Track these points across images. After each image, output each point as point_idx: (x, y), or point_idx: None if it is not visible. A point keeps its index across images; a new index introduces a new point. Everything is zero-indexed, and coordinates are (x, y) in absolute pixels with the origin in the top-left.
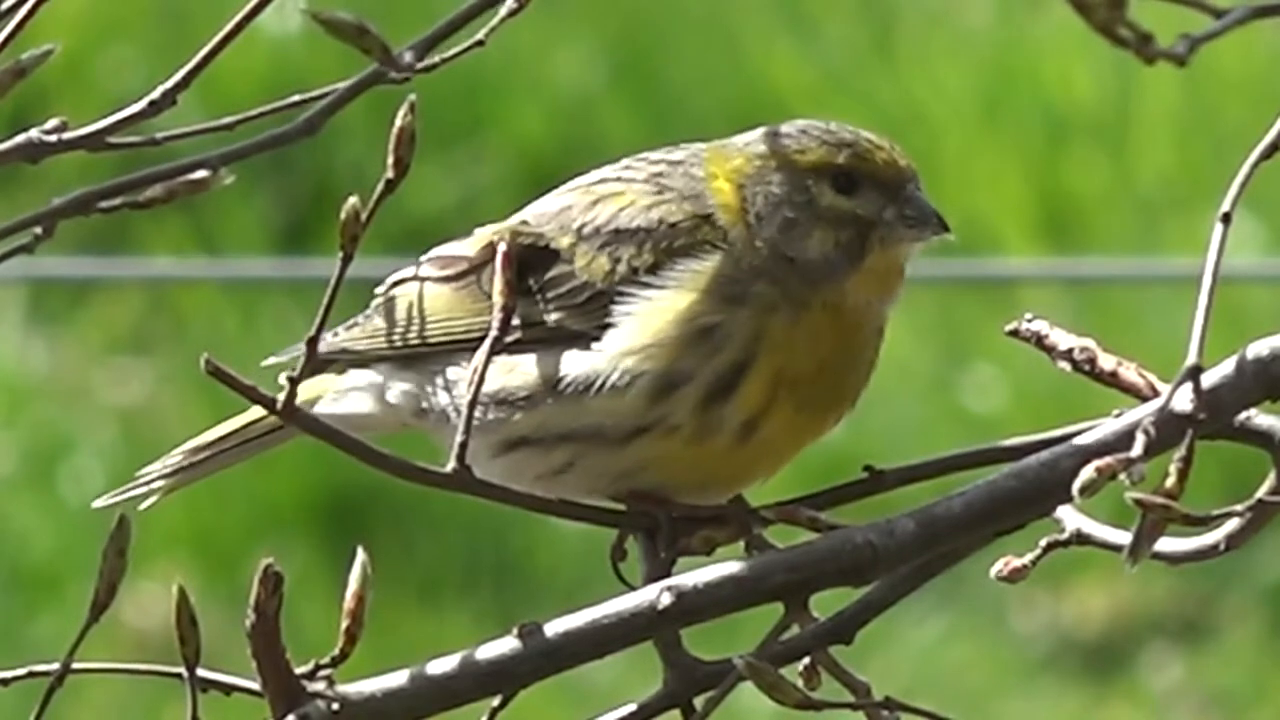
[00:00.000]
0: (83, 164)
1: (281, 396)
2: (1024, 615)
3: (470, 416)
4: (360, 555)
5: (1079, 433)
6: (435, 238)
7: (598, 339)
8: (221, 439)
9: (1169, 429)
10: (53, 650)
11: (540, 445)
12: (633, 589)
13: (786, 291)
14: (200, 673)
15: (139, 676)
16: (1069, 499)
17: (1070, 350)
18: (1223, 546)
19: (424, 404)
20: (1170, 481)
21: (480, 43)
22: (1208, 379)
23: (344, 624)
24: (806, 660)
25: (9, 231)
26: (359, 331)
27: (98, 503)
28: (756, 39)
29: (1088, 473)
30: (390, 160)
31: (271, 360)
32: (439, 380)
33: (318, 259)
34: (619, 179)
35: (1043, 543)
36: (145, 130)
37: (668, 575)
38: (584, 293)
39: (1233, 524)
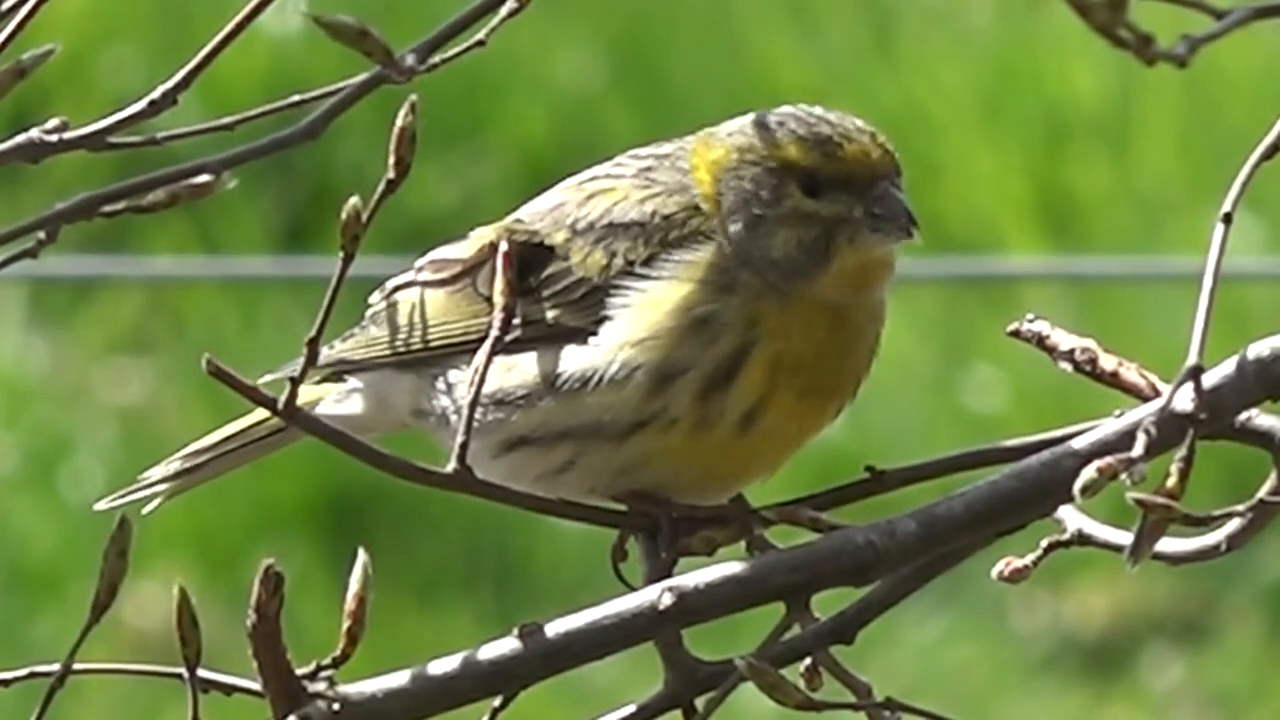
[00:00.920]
0: (83, 164)
1: (282, 397)
2: (1025, 615)
3: (470, 417)
4: (361, 556)
5: (1080, 433)
6: (436, 238)
7: (594, 334)
8: (223, 442)
9: (1170, 429)
10: (53, 651)
11: (540, 444)
12: (634, 589)
13: (768, 281)
14: (201, 673)
15: (139, 677)
16: (1070, 499)
17: (1071, 351)
18: (1224, 547)
19: (424, 406)
20: (1171, 482)
21: (481, 43)
22: (1209, 379)
23: (345, 624)
24: (808, 661)
25: (12, 236)
26: (355, 342)
27: (100, 505)
28: (757, 39)
29: (1089, 473)
30: (391, 160)
31: (269, 378)
32: (438, 382)
33: (318, 259)
34: (609, 175)
35: (1044, 543)
36: (146, 130)
37: (669, 576)
38: (580, 288)
39: (1234, 524)
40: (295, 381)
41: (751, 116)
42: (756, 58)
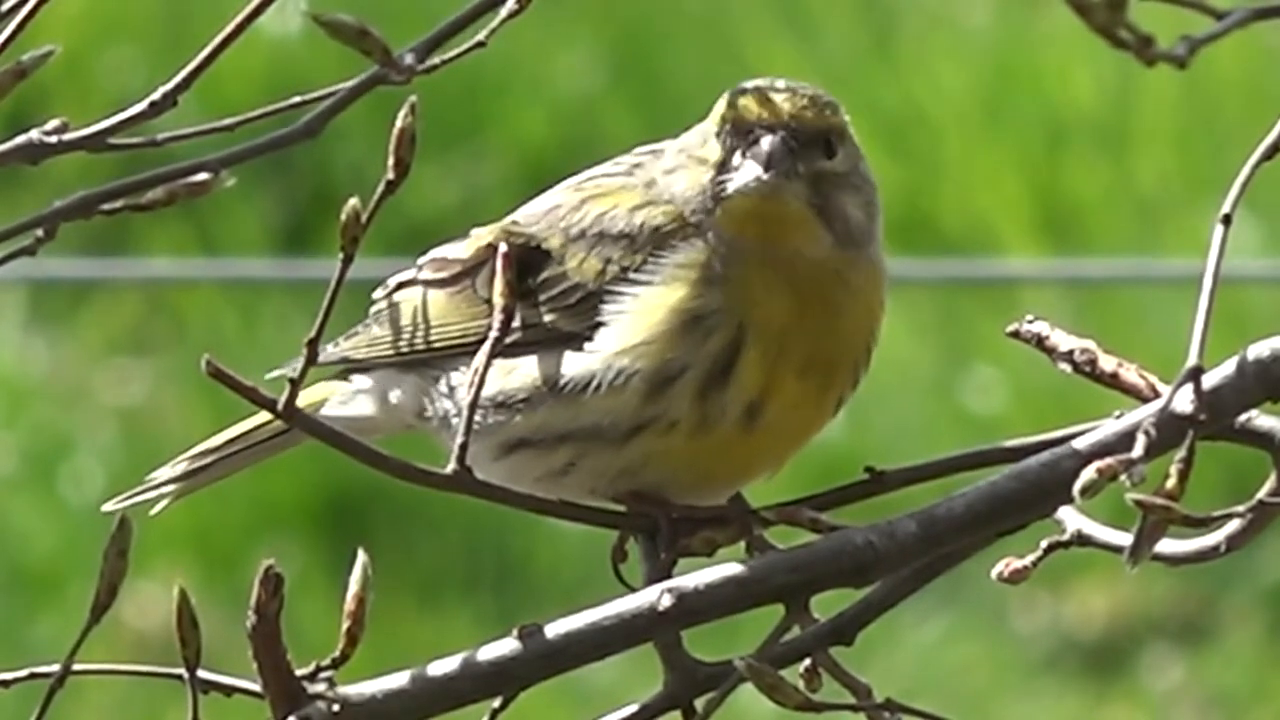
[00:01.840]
0: (83, 165)
1: (283, 397)
2: (1025, 616)
3: (470, 418)
4: (361, 556)
5: (1080, 434)
6: (436, 238)
7: (590, 339)
8: (228, 443)
9: (1169, 430)
10: (53, 651)
11: (541, 446)
12: (633, 590)
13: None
14: (201, 674)
15: (139, 678)
16: (1070, 500)
17: (1071, 351)
18: (1223, 548)
19: (425, 407)
20: (1171, 483)
21: (481, 44)
22: (1208, 380)
23: (345, 625)
24: (807, 661)
25: (11, 234)
26: (358, 340)
27: (107, 506)
28: (757, 40)
29: (1088, 474)
30: (391, 161)
31: (273, 374)
32: (439, 384)
33: (318, 260)
34: (606, 175)
35: (1044, 544)
36: (146, 131)
37: (668, 576)
38: (576, 293)
39: (1233, 525)
40: (295, 382)
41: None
42: (756, 59)
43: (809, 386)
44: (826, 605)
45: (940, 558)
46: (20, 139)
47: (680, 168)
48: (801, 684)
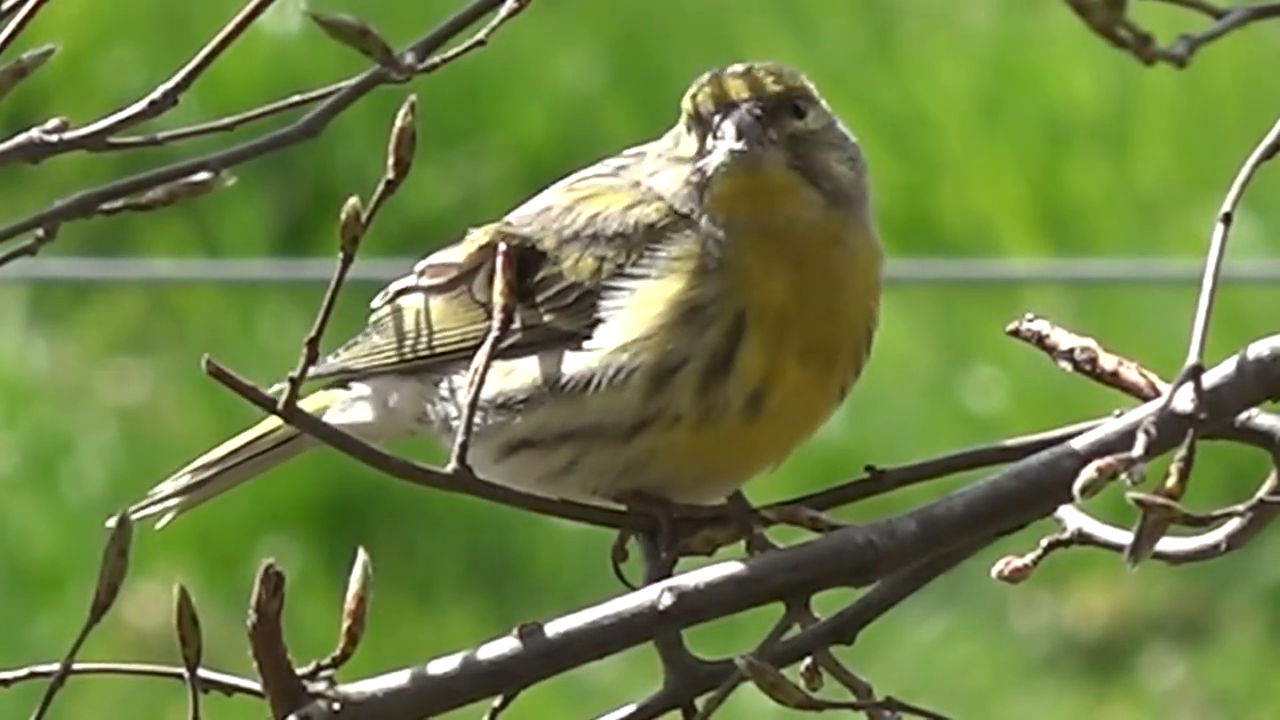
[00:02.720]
0: (83, 164)
1: (282, 397)
2: (1025, 615)
3: (471, 417)
4: (361, 555)
5: (1080, 433)
6: (436, 238)
7: (589, 337)
8: (231, 454)
9: (1170, 429)
10: (53, 650)
11: (542, 446)
12: (634, 589)
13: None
14: (201, 673)
15: (140, 677)
16: (1070, 499)
17: (1071, 350)
18: (1224, 546)
19: (426, 412)
20: (1171, 481)
21: (481, 43)
22: (1209, 379)
23: (345, 624)
24: (808, 660)
25: (11, 233)
26: (358, 350)
27: (113, 522)
28: (756, 40)
29: (1088, 473)
30: (391, 161)
31: (275, 388)
32: (439, 389)
33: (318, 260)
34: (596, 176)
35: (1044, 543)
36: (146, 130)
37: (669, 575)
38: (573, 293)
39: (1234, 524)
40: (295, 382)
41: None
42: (756, 59)
43: (811, 372)
44: (827, 604)
45: (940, 557)
46: (20, 138)
47: (661, 170)
48: (802, 683)
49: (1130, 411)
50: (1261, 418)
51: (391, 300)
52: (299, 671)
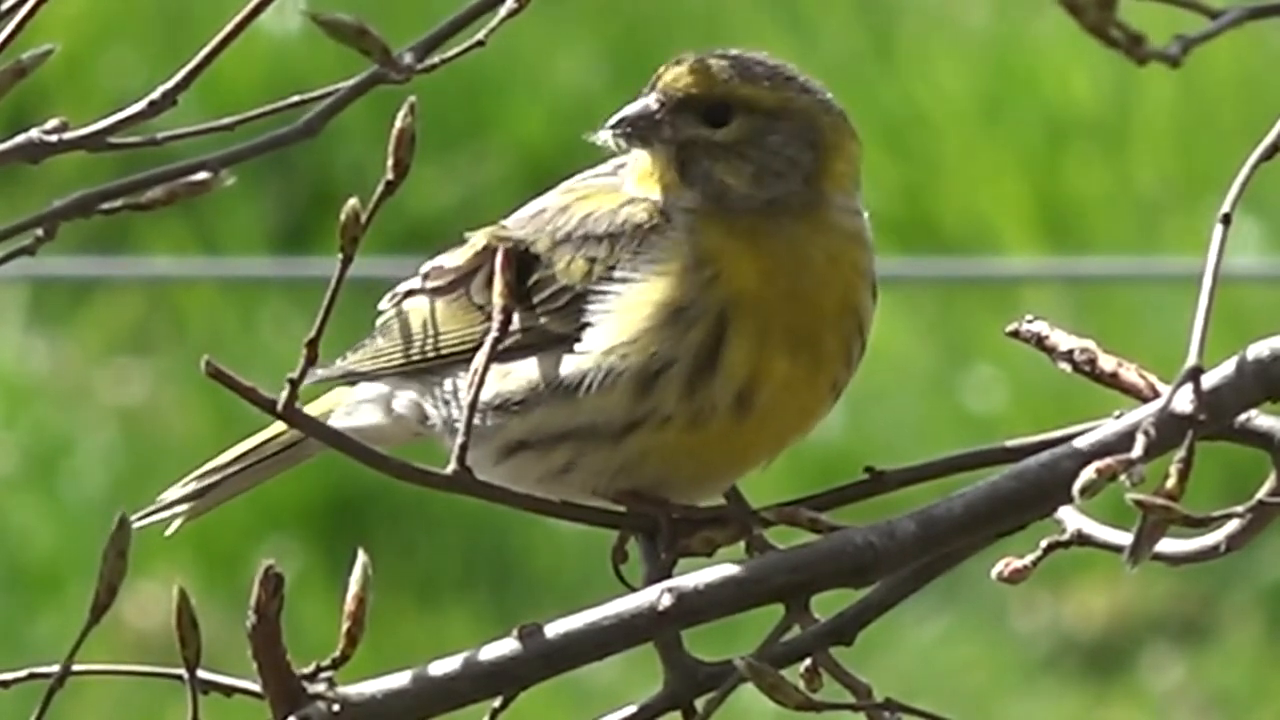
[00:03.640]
0: (83, 164)
1: (282, 397)
2: (1025, 616)
3: (470, 418)
4: (361, 556)
5: (1079, 434)
6: (435, 239)
7: (579, 340)
8: (236, 460)
9: (1169, 430)
10: (53, 651)
11: (540, 447)
12: (633, 590)
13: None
14: (201, 674)
15: (139, 678)
16: (1069, 500)
17: (1071, 351)
18: (1223, 547)
19: (428, 414)
20: (1170, 482)
21: (480, 43)
22: (1208, 380)
23: (344, 625)
24: (808, 661)
25: (11, 233)
26: (362, 354)
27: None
28: (756, 40)
29: (1088, 474)
30: (390, 162)
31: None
32: (440, 391)
33: (317, 259)
34: (594, 177)
35: (1044, 543)
36: (145, 130)
37: (668, 576)
38: (564, 295)
39: (1233, 525)
40: (294, 383)
41: None
42: None
43: (800, 366)
44: (826, 605)
45: (940, 558)
46: (20, 138)
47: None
48: (802, 684)
49: (1130, 412)
50: (1261, 419)
51: (397, 303)
52: (299, 672)
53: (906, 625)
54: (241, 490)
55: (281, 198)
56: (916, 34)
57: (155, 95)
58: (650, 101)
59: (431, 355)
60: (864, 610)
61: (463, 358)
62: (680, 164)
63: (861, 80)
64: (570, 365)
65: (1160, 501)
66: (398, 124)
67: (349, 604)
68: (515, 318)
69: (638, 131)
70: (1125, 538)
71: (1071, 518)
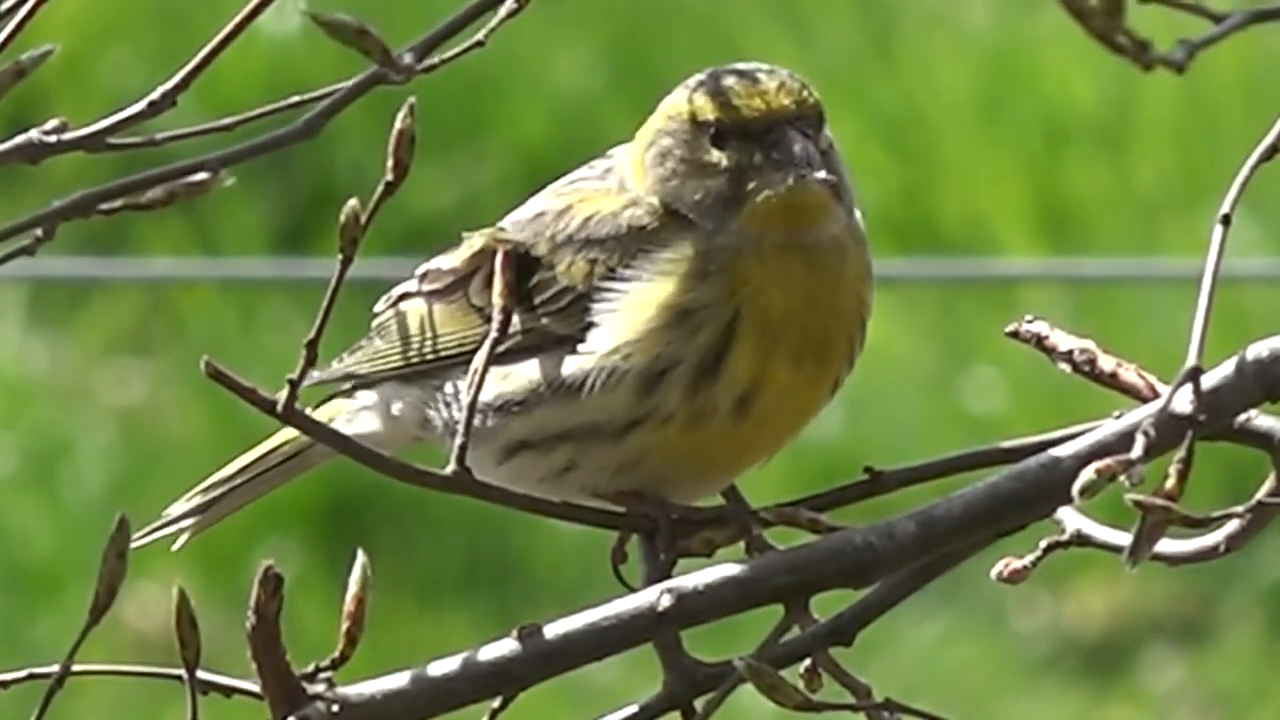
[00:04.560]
0: (82, 165)
1: (282, 398)
2: (1024, 616)
3: (470, 417)
4: (360, 556)
5: (1079, 434)
6: (435, 239)
7: (583, 340)
8: (240, 472)
9: (1169, 430)
10: (53, 652)
11: (540, 448)
12: (633, 590)
13: (714, 232)
14: (200, 674)
15: (139, 678)
16: (1069, 500)
17: (1070, 351)
18: (1223, 548)
19: (428, 418)
20: (1170, 483)
21: (480, 43)
22: (1208, 380)
23: (344, 626)
24: (807, 662)
25: (10, 233)
26: (360, 355)
27: (137, 542)
28: (755, 41)
29: (1088, 474)
30: (390, 163)
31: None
32: (440, 394)
33: (317, 260)
34: (583, 179)
35: (1043, 544)
36: (145, 131)
37: (668, 577)
38: (566, 296)
39: (1233, 525)
40: (294, 384)
41: (687, 80)
42: (755, 60)
43: (805, 371)
44: (826, 606)
45: (939, 558)
46: (19, 138)
47: (676, 176)
48: (801, 684)
49: (1129, 413)
50: (1260, 419)
51: (393, 305)
52: (298, 673)
53: (906, 625)
54: (246, 502)
55: (281, 198)
56: (916, 34)
57: (155, 96)
58: (801, 133)
59: (430, 358)
60: (864, 610)
61: (462, 360)
62: (829, 179)
63: (861, 80)
64: (573, 365)
65: (1160, 502)
66: (397, 124)
67: (348, 604)
68: (516, 319)
69: (817, 164)
70: (1125, 538)
71: (1071, 518)
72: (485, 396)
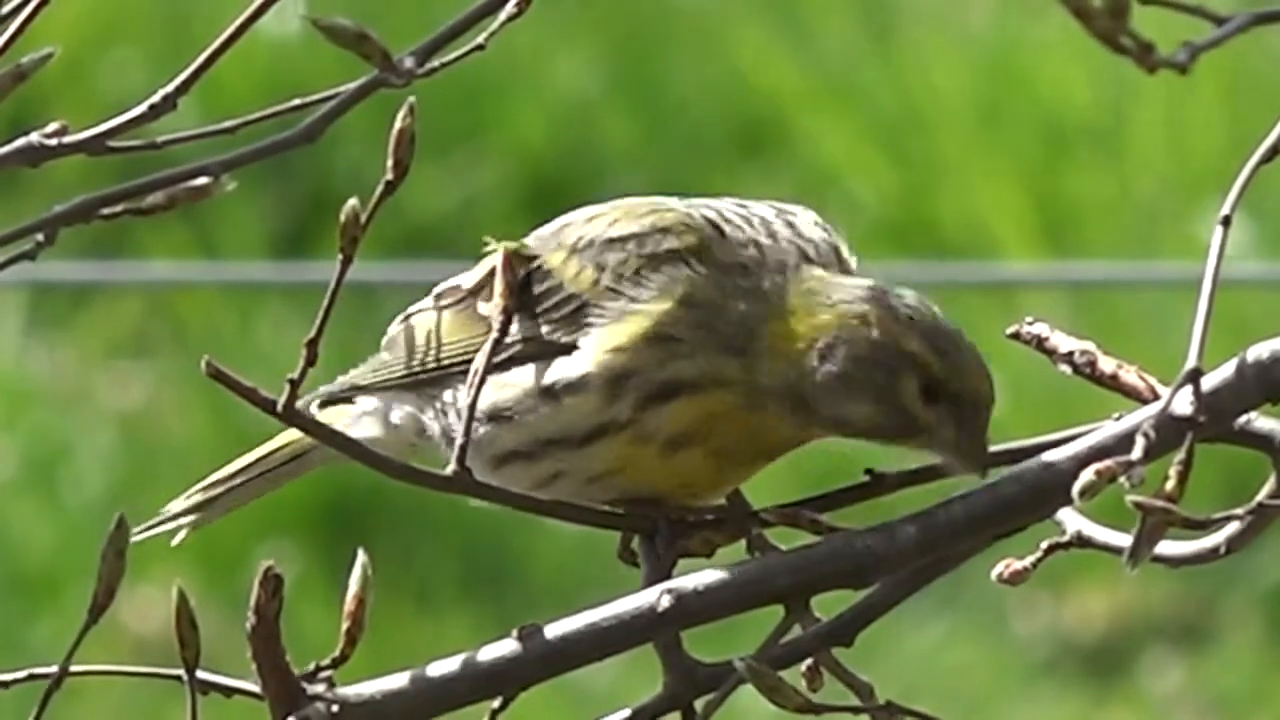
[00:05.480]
0: (83, 168)
1: (281, 398)
2: (1024, 618)
3: (470, 418)
4: (360, 557)
5: (1079, 436)
6: (434, 243)
7: (577, 347)
8: (241, 471)
9: (1169, 432)
10: (52, 653)
11: (529, 457)
12: (639, 571)
13: (759, 393)
14: (200, 675)
15: (139, 679)
16: (1069, 502)
17: (1071, 353)
18: (1223, 549)
19: (426, 425)
20: (1170, 484)
21: (480, 47)
22: (1208, 382)
23: (344, 626)
24: (809, 662)
25: (11, 238)
26: (366, 367)
27: (136, 536)
28: (755, 44)
29: (1088, 476)
30: (390, 162)
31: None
32: (438, 402)
33: (317, 263)
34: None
35: (1043, 545)
36: (145, 134)
37: (668, 577)
38: (570, 304)
39: (1233, 527)
40: (294, 383)
41: (866, 286)
42: (754, 63)
43: (724, 464)
44: (826, 606)
45: (940, 559)
46: (20, 142)
47: (846, 386)
48: (802, 684)
49: (1129, 414)
50: (1261, 421)
51: (405, 321)
52: (298, 673)
53: (906, 627)
54: (246, 501)
55: (280, 202)
56: (915, 37)
57: (155, 99)
58: (989, 420)
59: (432, 366)
60: (864, 612)
61: (462, 369)
62: None
63: (861, 81)
64: (560, 370)
65: (1160, 503)
66: (397, 124)
67: (348, 604)
68: (516, 327)
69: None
70: (1125, 540)
71: (1071, 519)
72: (481, 406)
